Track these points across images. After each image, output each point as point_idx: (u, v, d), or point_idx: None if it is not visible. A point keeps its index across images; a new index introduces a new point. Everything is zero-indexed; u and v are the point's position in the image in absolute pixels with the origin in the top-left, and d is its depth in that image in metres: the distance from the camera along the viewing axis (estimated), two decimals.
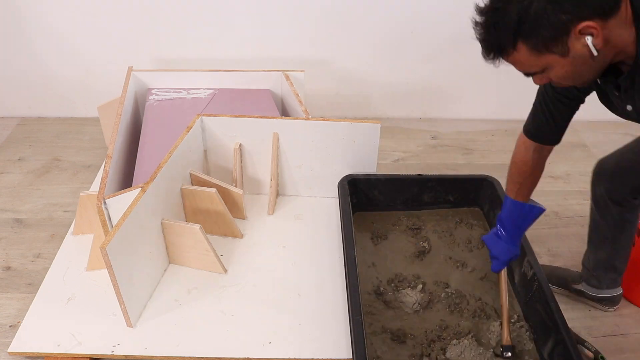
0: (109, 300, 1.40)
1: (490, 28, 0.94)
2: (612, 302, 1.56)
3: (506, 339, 1.35)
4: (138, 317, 1.39)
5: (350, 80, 2.40)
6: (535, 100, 1.22)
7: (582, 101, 1.17)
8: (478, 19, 0.95)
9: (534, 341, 1.36)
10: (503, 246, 1.36)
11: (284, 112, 2.11)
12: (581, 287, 1.57)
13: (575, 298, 1.60)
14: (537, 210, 1.33)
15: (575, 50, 0.90)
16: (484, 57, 0.98)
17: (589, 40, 0.88)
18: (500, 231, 1.36)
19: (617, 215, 1.40)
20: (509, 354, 1.33)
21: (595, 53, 0.89)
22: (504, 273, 1.42)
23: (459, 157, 2.26)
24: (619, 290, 1.55)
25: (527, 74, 0.99)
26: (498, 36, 0.93)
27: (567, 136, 1.27)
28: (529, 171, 1.29)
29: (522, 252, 1.45)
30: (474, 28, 0.96)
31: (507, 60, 0.97)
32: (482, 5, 0.95)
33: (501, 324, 1.39)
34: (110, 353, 1.31)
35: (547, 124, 1.21)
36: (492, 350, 1.35)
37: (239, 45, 2.27)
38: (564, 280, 1.60)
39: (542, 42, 0.90)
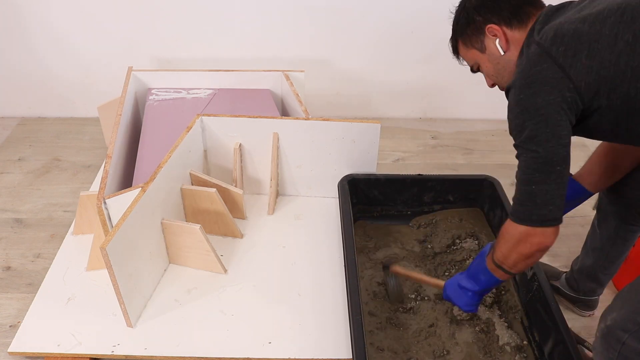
0: (109, 300, 1.40)
1: (451, 35, 1.22)
2: (587, 306, 1.53)
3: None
4: (138, 317, 1.39)
5: (350, 80, 2.40)
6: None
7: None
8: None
9: (534, 341, 1.37)
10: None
11: (284, 112, 2.11)
12: (558, 284, 1.56)
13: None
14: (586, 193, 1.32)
15: (490, 49, 1.13)
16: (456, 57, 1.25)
17: (497, 42, 1.11)
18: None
19: (613, 229, 1.37)
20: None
21: (502, 52, 1.11)
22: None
23: (459, 157, 2.26)
24: (595, 297, 1.52)
25: (472, 70, 1.21)
26: (452, 40, 1.22)
27: None
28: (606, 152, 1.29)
29: None
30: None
31: (459, 57, 1.24)
32: None
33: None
34: (110, 353, 1.31)
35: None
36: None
37: (239, 45, 2.27)
38: None
39: (468, 38, 1.16)
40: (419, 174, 1.76)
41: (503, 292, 1.51)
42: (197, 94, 2.06)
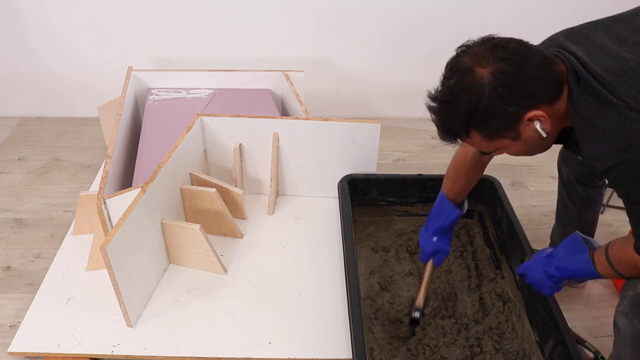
0: (109, 300, 1.40)
1: (444, 117, 1.00)
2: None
3: (419, 301, 1.42)
4: (138, 317, 1.39)
5: (350, 80, 2.40)
6: None
7: None
8: (431, 104, 1.01)
9: (535, 342, 1.37)
10: (426, 238, 1.42)
11: (284, 112, 2.11)
12: None
13: (575, 300, 1.60)
14: (457, 214, 1.37)
15: (526, 134, 0.98)
16: (442, 138, 1.03)
17: (537, 125, 0.96)
18: (427, 224, 1.43)
19: (582, 194, 1.48)
20: (417, 313, 1.40)
21: (544, 135, 0.97)
22: (429, 264, 1.45)
23: None
24: None
25: (485, 154, 1.10)
26: (451, 125, 0.99)
27: None
28: (465, 170, 1.34)
29: (522, 252, 1.45)
30: (429, 110, 1.02)
31: (464, 142, 1.03)
32: (432, 91, 1.02)
33: (419, 291, 1.45)
34: (110, 353, 1.31)
35: None
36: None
37: (239, 45, 2.27)
38: None
39: (494, 130, 0.97)
40: (419, 174, 1.76)
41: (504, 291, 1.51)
42: (197, 94, 2.06)
